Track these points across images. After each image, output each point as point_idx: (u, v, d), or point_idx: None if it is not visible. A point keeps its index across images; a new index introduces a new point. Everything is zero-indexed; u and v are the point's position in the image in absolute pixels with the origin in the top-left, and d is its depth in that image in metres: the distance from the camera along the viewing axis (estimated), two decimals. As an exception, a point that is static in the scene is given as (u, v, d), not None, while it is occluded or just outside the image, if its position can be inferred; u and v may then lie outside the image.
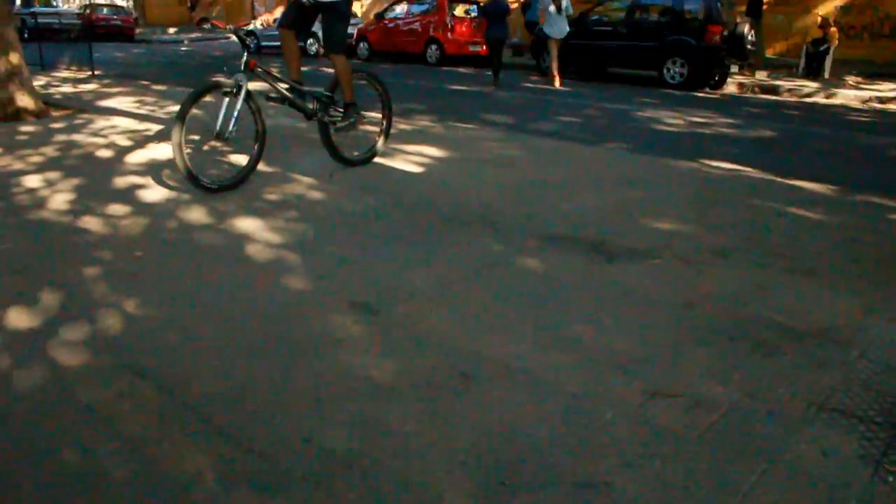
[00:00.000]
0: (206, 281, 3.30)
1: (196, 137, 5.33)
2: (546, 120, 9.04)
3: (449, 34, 17.06)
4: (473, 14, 17.51)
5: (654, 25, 14.06)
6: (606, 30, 14.50)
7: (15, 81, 7.89)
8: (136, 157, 5.82)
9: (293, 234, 3.94)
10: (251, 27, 4.66)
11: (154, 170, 5.37)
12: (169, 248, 3.76)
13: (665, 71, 13.58)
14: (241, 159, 5.15)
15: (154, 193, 4.75)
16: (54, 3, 31.12)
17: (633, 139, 7.70)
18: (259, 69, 4.82)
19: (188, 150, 4.50)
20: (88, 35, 15.25)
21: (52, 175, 5.25)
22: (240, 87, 4.59)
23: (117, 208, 4.42)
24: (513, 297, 3.15)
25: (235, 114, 4.56)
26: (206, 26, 4.82)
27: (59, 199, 4.63)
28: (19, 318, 2.89)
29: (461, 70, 16.29)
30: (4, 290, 3.16)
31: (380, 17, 18.81)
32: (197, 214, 4.29)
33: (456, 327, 2.84)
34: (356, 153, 5.51)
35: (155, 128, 7.19)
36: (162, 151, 6.00)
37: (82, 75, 13.50)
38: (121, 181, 5.08)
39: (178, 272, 3.40)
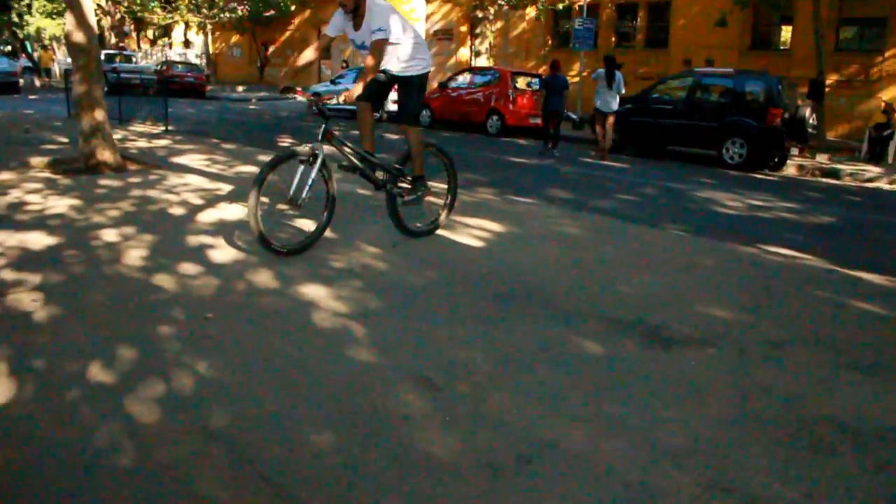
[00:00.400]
0: (275, 347, 3.43)
1: (265, 199, 5.54)
2: (605, 197, 9.13)
3: (510, 105, 17.36)
4: (535, 87, 17.81)
5: (715, 106, 14.13)
6: (667, 108, 14.63)
7: (98, 136, 8.33)
8: (207, 217, 6.07)
9: (358, 303, 4.07)
10: (333, 102, 4.89)
11: (224, 230, 5.59)
12: (238, 310, 3.92)
13: (724, 151, 13.60)
14: (309, 224, 5.33)
15: (224, 254, 4.95)
16: (134, 60, 32.53)
17: (692, 221, 7.73)
18: (335, 140, 5.03)
19: (260, 213, 4.69)
20: (165, 91, 15.93)
21: (128, 230, 5.50)
22: (316, 156, 4.80)
23: (189, 267, 4.62)
24: (572, 380, 3.21)
25: (310, 182, 4.76)
26: (290, 95, 5.09)
27: (135, 255, 4.85)
28: (100, 373, 3.05)
29: (521, 141, 16.53)
30: (87, 344, 3.34)
31: (443, 86, 19.26)
32: (264, 278, 4.45)
33: (516, 408, 2.90)
34: (419, 225, 5.66)
35: (225, 188, 7.47)
36: (232, 212, 6.24)
37: (156, 130, 14.10)
38: (192, 240, 5.30)
39: (248, 336, 3.55)
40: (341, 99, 4.85)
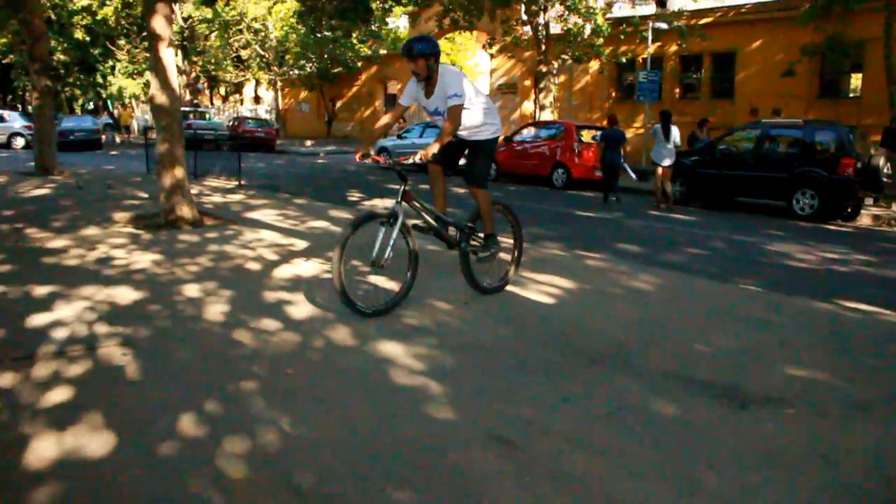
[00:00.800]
0: (355, 404, 3.52)
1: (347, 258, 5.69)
2: (674, 251, 9.08)
3: (576, 159, 17.46)
4: (599, 140, 17.89)
5: (784, 156, 13.97)
6: (734, 159, 14.53)
7: (178, 193, 8.69)
8: (283, 272, 6.24)
9: (433, 361, 4.14)
10: (410, 161, 5.03)
11: (300, 286, 5.74)
12: (317, 367, 4.03)
13: (794, 202, 13.38)
14: (390, 284, 5.41)
15: (300, 310, 5.09)
16: (207, 116, 33.79)
17: (763, 275, 7.61)
18: (413, 201, 5.17)
19: (344, 275, 4.79)
20: (237, 147, 16.48)
21: (209, 285, 5.71)
22: (396, 218, 4.92)
23: (268, 323, 4.76)
24: (648, 440, 3.20)
25: (391, 243, 4.87)
26: (368, 161, 5.26)
27: (215, 310, 5.03)
28: (189, 427, 3.18)
29: (587, 194, 16.52)
30: (175, 398, 3.49)
31: (508, 140, 19.47)
32: (342, 335, 4.57)
33: (593, 468, 2.92)
34: (489, 281, 5.73)
35: (298, 243, 7.68)
36: (306, 268, 6.41)
37: (230, 185, 14.56)
38: (270, 295, 5.46)
39: (328, 393, 3.65)
40: (417, 158, 4.98)
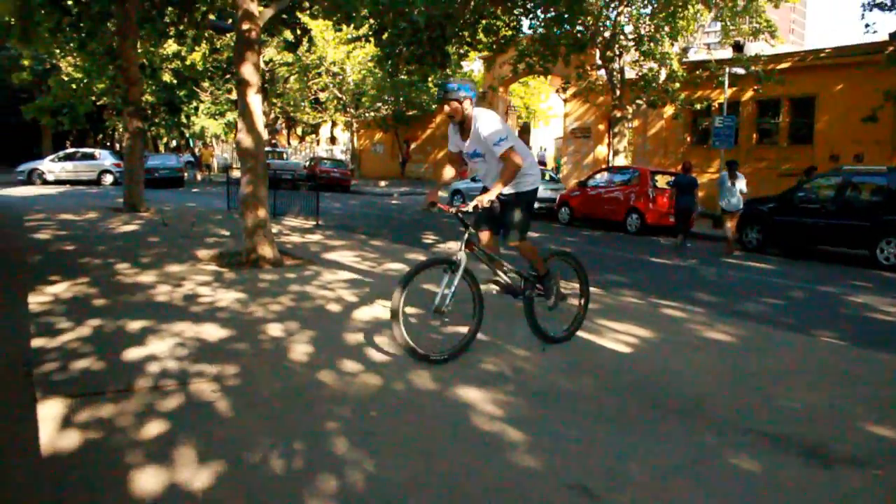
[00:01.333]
0: (437, 449, 3.59)
1: (411, 308, 5.79)
2: (751, 300, 8.93)
3: (650, 204, 17.38)
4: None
5: (867, 204, 13.63)
6: (814, 207, 14.24)
7: (260, 233, 8.99)
8: (362, 314, 6.39)
9: (512, 408, 4.19)
10: (468, 208, 5.07)
11: (379, 328, 5.87)
12: (399, 410, 4.12)
13: (878, 251, 13.00)
14: (457, 329, 5.46)
15: (381, 353, 5.21)
16: (285, 157, 34.72)
17: (846, 328, 7.42)
18: (477, 250, 5.26)
19: (404, 324, 4.87)
20: (316, 187, 16.92)
21: (291, 325, 5.89)
22: (459, 265, 4.99)
23: (349, 365, 4.89)
24: (729, 496, 3.18)
25: (453, 289, 4.94)
26: (435, 210, 5.33)
27: (299, 350, 5.19)
28: (277, 464, 3.31)
29: (660, 240, 16.39)
30: (264, 436, 3.62)
31: (582, 185, 19.54)
32: (421, 379, 4.66)
33: (674, 524, 2.92)
34: (557, 329, 5.69)
35: (377, 285, 7.85)
36: (385, 311, 6.53)
37: (308, 224, 14.94)
38: (350, 337, 5.61)
39: (411, 436, 3.73)
40: (470, 207, 5.02)
